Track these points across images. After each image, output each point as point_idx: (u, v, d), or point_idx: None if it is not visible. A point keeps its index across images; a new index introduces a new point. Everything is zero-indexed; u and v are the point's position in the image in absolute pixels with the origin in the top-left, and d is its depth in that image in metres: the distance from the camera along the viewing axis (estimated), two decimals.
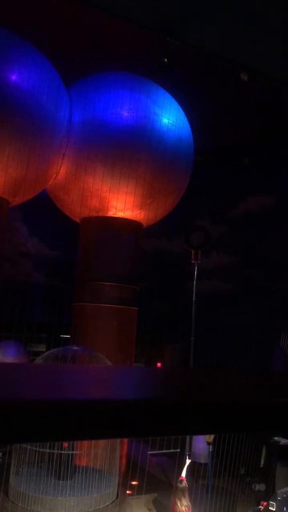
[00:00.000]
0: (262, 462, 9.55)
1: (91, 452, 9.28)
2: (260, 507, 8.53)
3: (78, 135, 10.82)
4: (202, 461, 10.96)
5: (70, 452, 8.61)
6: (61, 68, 10.52)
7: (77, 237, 12.12)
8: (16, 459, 8.71)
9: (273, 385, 1.12)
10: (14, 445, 8.66)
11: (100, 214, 11.45)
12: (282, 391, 0.99)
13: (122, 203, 11.20)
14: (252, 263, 17.47)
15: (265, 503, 8.39)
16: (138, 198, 11.11)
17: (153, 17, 10.73)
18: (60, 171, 11.11)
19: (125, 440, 10.79)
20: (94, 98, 10.81)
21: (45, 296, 16.80)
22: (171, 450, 12.54)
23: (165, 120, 11.15)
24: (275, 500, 8.18)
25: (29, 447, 8.53)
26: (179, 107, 11.68)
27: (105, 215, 11.47)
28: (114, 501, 8.71)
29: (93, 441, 8.52)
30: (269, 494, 8.77)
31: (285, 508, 8.07)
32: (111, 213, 11.45)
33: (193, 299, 12.64)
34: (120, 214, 11.49)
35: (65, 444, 8.46)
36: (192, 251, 12.76)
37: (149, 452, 12.19)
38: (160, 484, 11.21)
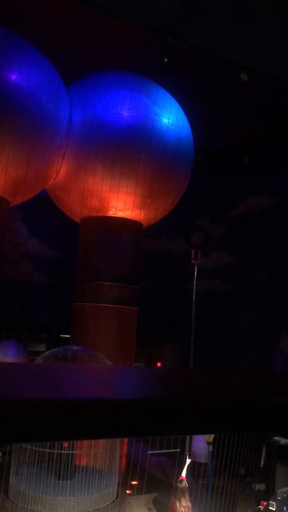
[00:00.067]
0: (262, 462, 9.55)
1: (91, 452, 9.28)
2: (260, 507, 8.53)
3: (78, 135, 10.82)
4: (202, 461, 10.97)
5: (70, 452, 8.62)
6: (61, 68, 10.52)
7: (77, 237, 12.12)
8: (16, 459, 8.72)
9: (273, 385, 1.12)
10: (14, 445, 8.65)
11: (100, 214, 11.45)
12: (282, 391, 0.99)
13: (122, 203, 11.20)
14: (252, 263, 17.45)
15: (265, 503, 8.40)
16: (138, 198, 11.11)
17: (153, 17, 10.73)
18: (60, 171, 11.11)
19: (125, 440, 10.79)
20: (94, 98, 10.81)
21: (45, 296, 16.77)
22: (171, 450, 12.54)
23: (165, 120, 11.15)
24: (275, 500, 8.18)
25: (29, 447, 8.53)
26: (179, 107, 11.67)
27: (105, 215, 11.47)
28: (114, 500, 8.72)
29: (93, 441, 8.52)
30: (269, 494, 8.77)
31: (285, 508, 8.07)
32: (111, 213, 11.46)
33: (193, 299, 12.65)
34: (120, 214, 11.49)
35: (65, 444, 8.46)
36: (192, 251, 12.77)
37: (149, 452, 12.19)
38: (160, 484, 11.21)
